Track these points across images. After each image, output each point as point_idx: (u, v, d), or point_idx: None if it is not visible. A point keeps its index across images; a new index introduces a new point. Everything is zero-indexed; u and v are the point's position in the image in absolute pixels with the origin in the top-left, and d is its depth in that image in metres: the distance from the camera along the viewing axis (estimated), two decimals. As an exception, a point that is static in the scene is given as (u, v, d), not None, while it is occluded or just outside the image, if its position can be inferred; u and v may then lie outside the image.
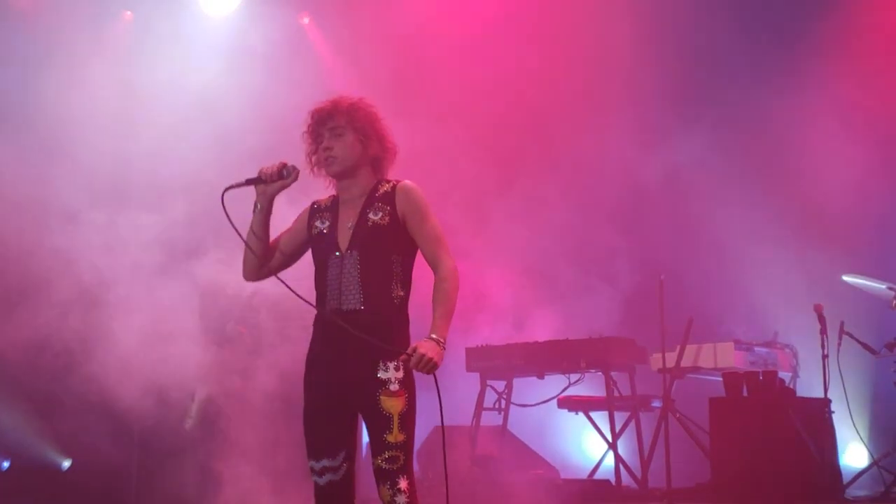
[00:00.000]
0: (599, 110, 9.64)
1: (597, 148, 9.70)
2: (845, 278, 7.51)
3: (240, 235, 4.04)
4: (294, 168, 4.09)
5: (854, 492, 7.34)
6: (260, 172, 4.07)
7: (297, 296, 4.08)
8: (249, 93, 8.90)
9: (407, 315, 4.06)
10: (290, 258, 4.24)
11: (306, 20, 10.34)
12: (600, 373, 7.97)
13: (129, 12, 9.78)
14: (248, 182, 4.07)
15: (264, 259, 4.15)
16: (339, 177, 4.13)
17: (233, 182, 4.04)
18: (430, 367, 3.82)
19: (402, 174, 4.22)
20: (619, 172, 9.56)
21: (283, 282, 4.13)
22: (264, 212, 4.11)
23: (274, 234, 4.22)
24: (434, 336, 3.88)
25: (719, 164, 9.46)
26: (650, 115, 9.68)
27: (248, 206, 4.15)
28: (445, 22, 9.88)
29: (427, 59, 9.70)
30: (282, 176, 4.06)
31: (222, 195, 3.95)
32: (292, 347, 7.37)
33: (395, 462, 3.86)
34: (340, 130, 4.09)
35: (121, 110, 8.51)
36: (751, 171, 9.40)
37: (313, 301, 4.06)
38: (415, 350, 3.84)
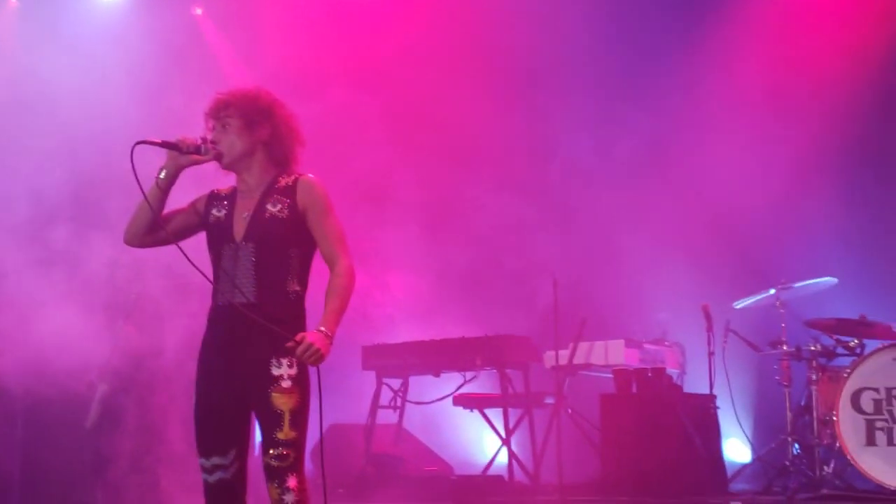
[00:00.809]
0: (498, 111, 9.73)
1: (497, 148, 9.80)
2: (736, 305, 7.66)
3: (142, 192, 3.87)
4: (213, 148, 3.95)
5: (737, 486, 7.52)
6: (178, 139, 3.92)
7: (200, 272, 3.94)
8: (138, 82, 8.76)
9: (303, 310, 3.97)
10: (178, 236, 4.06)
11: (199, 11, 10.21)
12: (495, 370, 8.03)
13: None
14: (164, 144, 3.90)
15: (154, 227, 3.99)
16: (232, 168, 4.03)
17: (148, 138, 3.87)
18: (317, 357, 3.77)
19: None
20: (515, 171, 9.65)
21: (186, 255, 3.95)
22: (168, 180, 3.95)
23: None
24: (323, 329, 3.81)
25: (614, 166, 9.61)
26: (546, 115, 9.80)
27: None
28: (340, 12, 9.87)
29: (323, 50, 9.68)
30: (199, 151, 3.92)
31: (132, 148, 3.77)
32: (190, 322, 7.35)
33: (284, 460, 3.79)
34: (227, 121, 4.00)
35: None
36: (643, 174, 9.53)
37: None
38: (303, 338, 3.78)
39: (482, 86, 9.61)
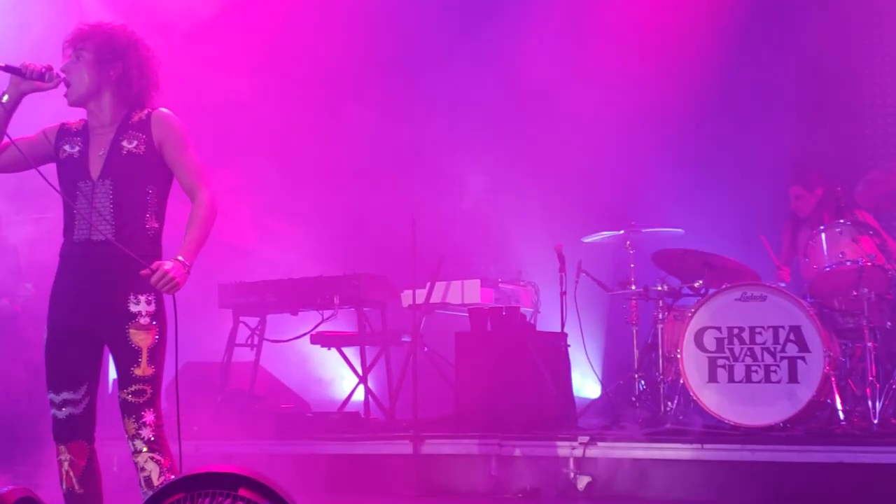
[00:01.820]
0: (359, 52, 9.70)
1: (356, 93, 9.77)
2: (585, 240, 7.80)
3: None
4: (58, 76, 3.86)
5: (587, 420, 7.70)
6: (22, 64, 3.82)
7: (65, 198, 3.90)
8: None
9: (161, 247, 3.96)
10: (17, 164, 3.98)
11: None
12: (353, 309, 8.08)
13: None
14: (6, 68, 3.82)
15: None
16: (80, 103, 3.95)
17: None
18: (172, 286, 3.76)
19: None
20: (375, 113, 9.63)
21: (46, 179, 3.91)
22: (9, 105, 3.86)
23: None
24: (180, 258, 3.81)
25: (471, 108, 9.68)
26: (404, 57, 9.80)
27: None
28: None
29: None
30: (42, 77, 3.82)
31: None
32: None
33: (141, 395, 3.80)
34: (81, 53, 3.92)
35: None
36: (501, 115, 9.65)
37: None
38: (158, 267, 3.75)
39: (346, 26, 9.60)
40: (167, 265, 3.77)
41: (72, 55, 3.94)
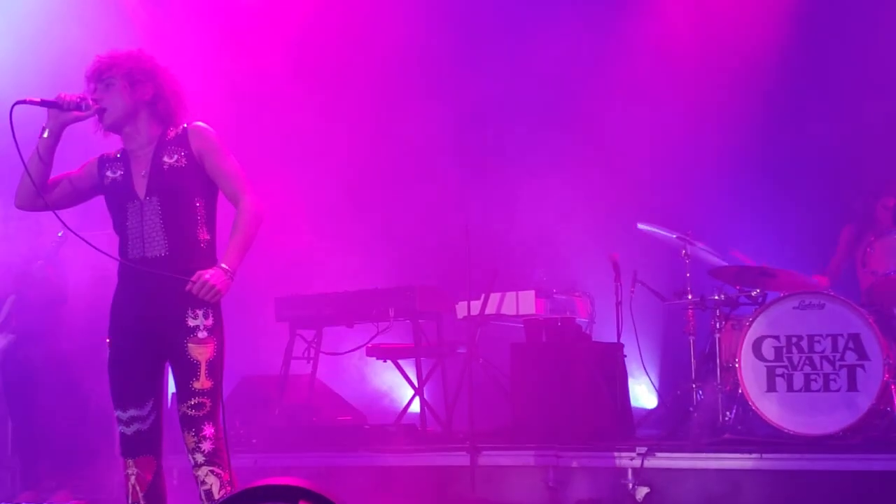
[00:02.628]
0: (407, 63, 9.72)
1: (407, 97, 9.79)
2: (640, 226, 7.71)
3: (20, 155, 3.86)
4: (94, 105, 3.95)
5: (644, 431, 7.65)
6: (58, 97, 3.92)
7: (91, 245, 4.00)
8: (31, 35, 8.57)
9: (215, 258, 4.00)
10: (72, 198, 4.10)
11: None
12: (408, 321, 8.06)
13: None
14: (43, 103, 3.91)
15: (43, 188, 3.98)
16: (117, 128, 4.03)
17: (27, 98, 3.87)
18: (213, 293, 3.81)
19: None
20: (430, 129, 9.66)
21: (75, 233, 4.03)
22: (52, 138, 3.95)
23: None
24: (223, 265, 3.86)
25: (526, 118, 9.67)
26: (456, 64, 9.80)
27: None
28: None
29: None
30: (79, 107, 3.92)
31: (11, 109, 3.77)
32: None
33: (201, 409, 3.84)
34: (110, 82, 3.99)
35: None
36: (552, 125, 9.60)
37: (113, 251, 3.99)
38: (199, 277, 3.81)
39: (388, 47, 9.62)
40: (207, 274, 3.82)
41: (98, 87, 4.01)
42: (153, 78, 4.04)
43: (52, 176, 4.06)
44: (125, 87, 3.99)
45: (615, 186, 9.20)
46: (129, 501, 3.95)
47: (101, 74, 4.01)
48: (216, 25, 9.47)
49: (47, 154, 3.97)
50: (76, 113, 3.94)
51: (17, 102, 3.83)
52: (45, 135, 3.95)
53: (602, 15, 9.51)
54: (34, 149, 3.94)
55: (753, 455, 6.28)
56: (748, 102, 8.88)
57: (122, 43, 4.34)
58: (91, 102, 3.96)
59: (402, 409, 8.41)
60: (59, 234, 7.06)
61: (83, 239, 4.05)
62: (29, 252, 7.27)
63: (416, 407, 8.10)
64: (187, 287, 3.82)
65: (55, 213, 4.02)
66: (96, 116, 3.99)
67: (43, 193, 3.99)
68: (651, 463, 6.45)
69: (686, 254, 7.41)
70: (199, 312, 3.88)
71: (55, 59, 7.88)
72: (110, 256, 4.01)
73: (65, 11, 8.75)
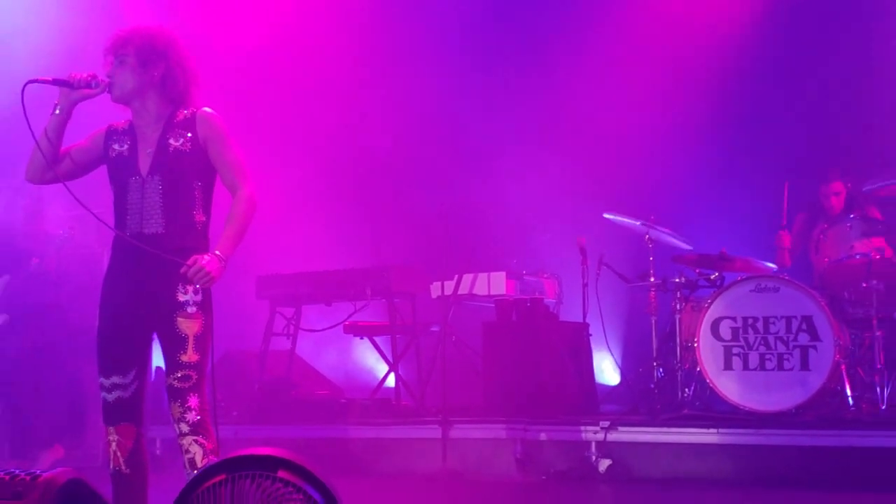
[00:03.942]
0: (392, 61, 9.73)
1: (390, 89, 9.81)
2: (606, 215, 7.74)
3: (31, 131, 3.86)
4: (103, 81, 3.96)
5: (607, 406, 7.73)
6: (69, 76, 3.93)
7: (95, 216, 4.03)
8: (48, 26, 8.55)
9: (208, 239, 4.02)
10: (80, 170, 4.09)
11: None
12: (384, 300, 8.05)
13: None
14: (55, 81, 3.92)
15: (53, 162, 3.99)
16: (126, 102, 4.02)
17: (39, 76, 3.89)
18: (207, 279, 3.84)
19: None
20: (408, 114, 9.68)
21: (78, 200, 3.99)
22: (63, 115, 3.96)
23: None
24: (217, 252, 3.88)
25: (503, 111, 9.68)
26: (440, 60, 9.81)
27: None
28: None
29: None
30: (89, 85, 3.93)
31: (23, 88, 3.79)
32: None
33: (187, 381, 3.86)
34: (123, 58, 3.98)
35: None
36: (528, 118, 9.63)
37: (111, 223, 4.00)
38: (195, 262, 3.83)
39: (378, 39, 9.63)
40: (204, 260, 3.85)
41: (114, 61, 4.00)
42: (165, 58, 4.02)
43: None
44: (136, 65, 3.98)
45: (584, 175, 9.25)
46: (111, 467, 3.95)
47: (117, 50, 4.00)
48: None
49: (58, 130, 3.97)
50: (86, 90, 3.94)
51: (30, 81, 3.83)
52: (57, 111, 3.95)
53: (575, 13, 9.53)
54: (44, 125, 3.95)
55: (710, 430, 6.37)
56: (708, 99, 8.97)
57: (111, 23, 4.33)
58: (101, 80, 3.96)
59: (377, 384, 8.43)
60: (62, 232, 7.07)
61: (90, 211, 4.04)
62: (28, 236, 7.27)
63: (391, 382, 8.10)
64: (182, 270, 3.84)
65: (65, 185, 4.02)
66: (107, 91, 3.99)
67: (53, 167, 3.99)
68: (613, 436, 6.54)
69: (649, 238, 7.45)
70: (190, 289, 3.89)
71: (72, 43, 7.88)
72: (110, 228, 4.01)
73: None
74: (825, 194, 7.54)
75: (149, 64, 4.00)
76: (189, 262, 3.84)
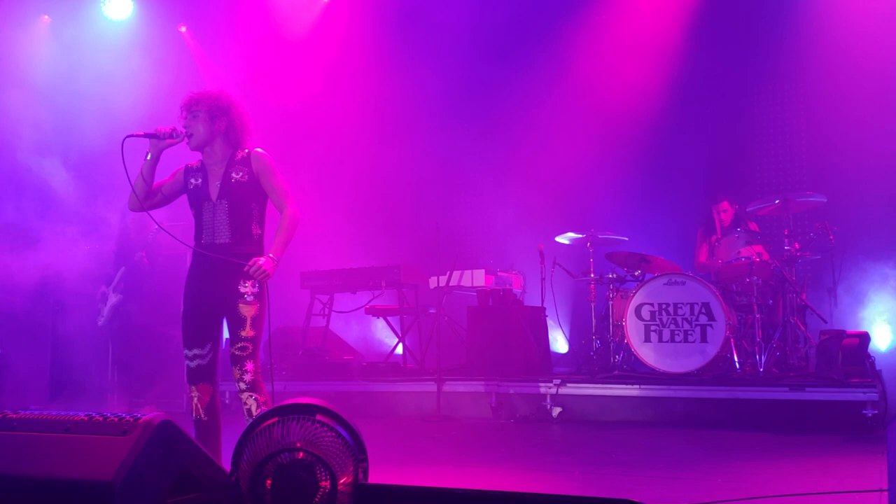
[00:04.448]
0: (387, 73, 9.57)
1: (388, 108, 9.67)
2: (557, 238, 7.71)
3: (127, 175, 3.83)
4: (182, 132, 3.94)
5: (559, 369, 7.72)
6: (156, 130, 3.91)
7: (172, 236, 4.06)
8: (138, 82, 8.53)
9: (263, 246, 4.02)
10: (167, 200, 4.09)
11: (183, 28, 9.93)
12: (395, 289, 8.07)
13: (46, 17, 9.18)
14: (146, 135, 3.90)
15: (146, 197, 3.98)
16: (199, 148, 4.01)
17: (134, 132, 3.87)
18: (263, 275, 3.84)
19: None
20: (414, 155, 9.62)
21: (160, 225, 4.05)
22: (153, 161, 3.93)
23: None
24: (271, 255, 3.88)
25: (482, 154, 9.63)
26: (435, 117, 9.71)
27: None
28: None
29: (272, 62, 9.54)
30: (172, 136, 3.91)
31: (122, 141, 3.76)
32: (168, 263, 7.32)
33: (244, 350, 3.85)
34: (196, 113, 3.97)
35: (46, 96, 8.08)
36: (502, 159, 9.55)
37: (189, 242, 4.02)
38: (255, 262, 3.85)
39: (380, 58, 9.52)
40: (261, 261, 3.85)
41: (188, 116, 3.99)
42: (227, 113, 4.01)
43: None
44: (207, 119, 3.97)
45: (542, 197, 9.19)
46: (194, 416, 3.95)
47: (191, 107, 3.99)
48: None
49: (149, 172, 3.97)
50: (169, 140, 3.94)
51: (128, 136, 3.83)
52: (149, 157, 3.95)
53: (531, 88, 9.34)
54: (140, 168, 3.94)
55: (635, 386, 6.38)
56: (632, 141, 8.90)
57: (189, 83, 4.32)
58: (180, 131, 3.95)
59: (389, 351, 8.42)
60: (154, 231, 7.07)
61: (168, 233, 4.10)
62: (137, 239, 7.27)
63: (399, 350, 8.11)
64: (245, 269, 3.86)
65: (149, 215, 4.07)
66: (185, 140, 4.00)
67: (144, 202, 4.00)
68: (563, 391, 6.54)
69: (590, 245, 7.47)
70: (248, 283, 3.91)
71: (143, 98, 7.89)
72: (186, 245, 4.04)
73: (143, 58, 8.75)
74: (717, 211, 7.54)
75: (216, 118, 3.98)
76: (250, 262, 3.85)
